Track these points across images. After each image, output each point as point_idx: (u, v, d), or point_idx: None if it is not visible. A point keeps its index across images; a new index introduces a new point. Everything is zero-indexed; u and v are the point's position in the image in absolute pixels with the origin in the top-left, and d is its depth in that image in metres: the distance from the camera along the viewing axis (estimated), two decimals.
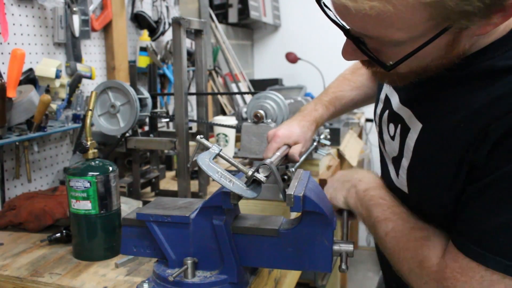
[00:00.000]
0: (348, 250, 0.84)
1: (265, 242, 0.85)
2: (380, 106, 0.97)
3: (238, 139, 2.00)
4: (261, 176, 0.85)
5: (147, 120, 1.57)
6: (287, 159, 1.17)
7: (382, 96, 0.96)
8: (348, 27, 0.69)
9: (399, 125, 0.86)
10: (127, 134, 1.40)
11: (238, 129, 1.68)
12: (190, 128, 1.46)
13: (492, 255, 0.67)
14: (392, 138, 0.89)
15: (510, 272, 0.67)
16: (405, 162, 0.84)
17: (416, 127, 0.80)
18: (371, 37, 0.67)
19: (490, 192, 0.68)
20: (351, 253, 0.84)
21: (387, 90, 0.94)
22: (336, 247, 0.84)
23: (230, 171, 1.76)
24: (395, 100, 0.89)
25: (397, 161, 0.87)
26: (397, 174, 0.87)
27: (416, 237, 0.81)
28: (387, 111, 0.92)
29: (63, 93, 1.53)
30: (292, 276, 1.29)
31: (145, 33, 2.11)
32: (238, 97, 2.82)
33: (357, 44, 0.70)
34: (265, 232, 0.85)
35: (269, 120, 1.43)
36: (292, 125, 1.17)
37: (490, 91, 0.68)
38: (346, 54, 0.73)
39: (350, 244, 0.84)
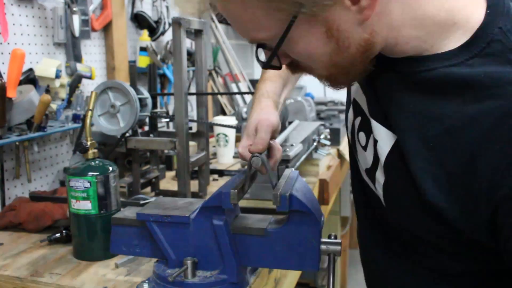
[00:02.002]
0: (336, 249, 0.84)
1: (254, 242, 0.86)
2: (351, 111, 0.88)
3: (238, 139, 2.00)
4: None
5: (147, 120, 1.57)
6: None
7: (352, 99, 0.87)
8: None
9: (371, 135, 0.77)
10: (127, 134, 1.40)
11: (238, 129, 1.69)
12: (190, 128, 1.46)
13: None
14: (364, 148, 0.81)
15: None
16: (379, 177, 0.75)
17: (386, 139, 0.72)
18: (249, 41, 0.70)
19: None
20: (339, 252, 0.84)
21: (355, 94, 0.85)
22: (323, 247, 0.84)
23: (230, 171, 1.76)
24: (365, 106, 0.80)
25: (371, 173, 0.79)
26: (374, 186, 0.79)
27: None
28: (359, 118, 0.83)
29: (63, 93, 1.53)
30: (292, 276, 1.29)
31: (145, 33, 2.11)
32: (238, 97, 2.82)
33: (257, 48, 0.72)
34: (253, 232, 0.86)
35: None
36: (268, 112, 0.98)
37: (466, 103, 0.62)
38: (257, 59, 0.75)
39: (338, 243, 0.84)
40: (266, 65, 0.71)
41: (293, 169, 0.95)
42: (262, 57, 0.73)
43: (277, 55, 0.68)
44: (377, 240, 0.87)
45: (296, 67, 0.73)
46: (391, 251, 0.83)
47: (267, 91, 1.02)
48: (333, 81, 0.72)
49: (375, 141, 0.75)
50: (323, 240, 0.84)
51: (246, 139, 0.93)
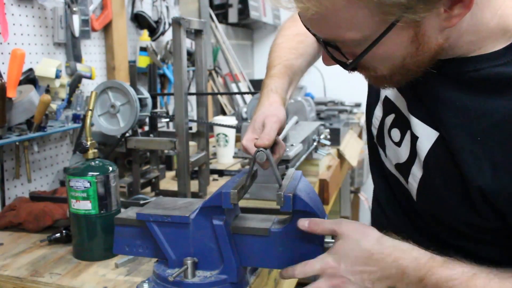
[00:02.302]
0: None
1: (257, 242, 0.86)
2: (380, 108, 0.92)
3: (238, 139, 2.00)
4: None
5: (147, 120, 1.57)
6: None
7: (381, 97, 0.92)
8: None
9: (408, 131, 0.82)
10: (127, 134, 1.40)
11: (238, 129, 1.69)
12: (190, 128, 1.46)
13: None
14: (398, 144, 0.85)
15: None
16: (416, 171, 0.80)
17: (427, 136, 0.76)
18: (330, 40, 0.70)
19: None
20: None
21: (389, 92, 0.90)
22: (326, 247, 0.83)
23: (230, 171, 1.76)
24: (402, 106, 0.84)
25: (404, 167, 0.83)
26: (406, 180, 0.84)
27: None
28: (392, 115, 0.87)
29: (63, 93, 1.53)
30: None
31: (145, 33, 2.11)
32: (238, 97, 2.82)
33: (325, 48, 0.72)
34: (256, 232, 0.86)
35: None
36: (277, 108, 0.98)
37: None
38: (325, 59, 0.76)
39: None
40: (350, 67, 0.71)
41: (293, 169, 0.95)
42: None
43: (341, 52, 0.70)
44: (405, 222, 0.90)
45: (356, 66, 0.73)
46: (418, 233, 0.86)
47: (276, 87, 1.02)
48: (387, 81, 0.75)
49: (415, 138, 0.78)
50: (326, 240, 0.84)
51: (251, 132, 0.93)
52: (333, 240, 0.84)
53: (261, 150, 0.86)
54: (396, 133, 0.85)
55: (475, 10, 0.66)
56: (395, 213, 0.93)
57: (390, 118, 0.88)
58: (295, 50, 1.09)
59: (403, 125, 0.83)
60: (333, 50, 0.72)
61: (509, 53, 0.68)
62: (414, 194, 0.82)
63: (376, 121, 0.93)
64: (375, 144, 0.96)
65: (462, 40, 0.70)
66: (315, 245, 0.83)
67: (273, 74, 1.05)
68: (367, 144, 1.04)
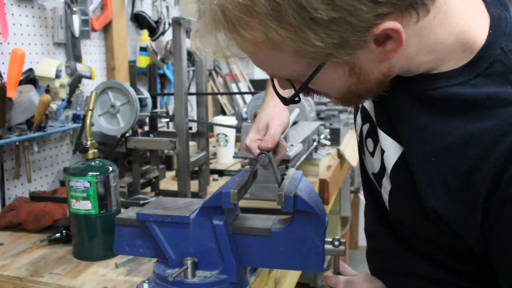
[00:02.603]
0: (340, 250, 0.84)
1: (257, 242, 0.86)
2: (359, 116, 0.91)
3: (238, 139, 2.00)
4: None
5: (147, 120, 1.57)
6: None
7: (360, 105, 0.90)
8: None
9: (378, 144, 0.80)
10: (127, 134, 1.40)
11: (238, 129, 1.69)
12: (190, 128, 1.46)
13: None
14: (371, 154, 0.84)
15: None
16: (386, 183, 0.79)
17: (393, 150, 0.75)
18: (272, 76, 0.73)
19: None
20: (343, 252, 0.84)
21: (366, 102, 0.87)
22: (327, 247, 0.84)
23: (230, 171, 1.76)
24: (373, 115, 0.84)
25: (378, 177, 0.83)
26: (380, 191, 0.83)
27: None
28: (367, 125, 0.86)
29: (63, 93, 1.53)
30: (292, 276, 1.29)
31: (145, 33, 2.11)
32: (238, 97, 2.82)
33: (271, 80, 0.76)
34: (257, 232, 0.86)
35: None
36: (281, 110, 0.99)
37: (468, 122, 0.65)
38: (281, 88, 0.77)
39: (342, 243, 0.84)
40: (289, 101, 0.74)
41: (294, 169, 0.95)
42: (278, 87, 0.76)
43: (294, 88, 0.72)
44: (385, 229, 0.89)
45: (310, 91, 0.75)
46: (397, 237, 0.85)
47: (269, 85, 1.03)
48: (345, 102, 0.75)
49: (382, 151, 0.77)
50: (327, 240, 0.84)
51: (255, 133, 0.94)
52: (334, 238, 0.84)
53: (264, 153, 0.86)
54: (370, 143, 0.85)
55: (425, 32, 0.65)
56: (376, 219, 0.92)
57: (365, 127, 0.87)
58: None
59: (375, 136, 0.82)
60: (282, 81, 0.74)
61: (467, 72, 0.66)
62: (387, 205, 0.81)
63: (358, 128, 0.92)
64: (359, 150, 0.96)
65: (416, 61, 0.68)
66: (316, 245, 0.83)
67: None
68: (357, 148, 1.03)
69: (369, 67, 0.65)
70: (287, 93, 1.02)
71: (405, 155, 0.73)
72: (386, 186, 0.79)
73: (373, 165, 0.83)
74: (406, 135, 0.72)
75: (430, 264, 0.78)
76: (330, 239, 0.84)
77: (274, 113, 0.95)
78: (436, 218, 0.69)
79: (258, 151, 0.90)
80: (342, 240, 0.84)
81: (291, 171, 0.93)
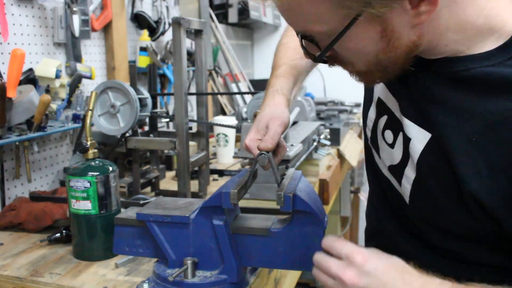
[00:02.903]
0: None
1: (256, 242, 0.86)
2: (373, 110, 0.91)
3: (238, 139, 2.00)
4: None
5: (147, 120, 1.57)
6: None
7: (375, 98, 0.91)
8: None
9: (401, 133, 0.81)
10: (127, 134, 1.40)
11: (238, 129, 1.69)
12: (190, 128, 1.46)
13: None
14: (391, 146, 0.84)
15: None
16: (410, 173, 0.79)
17: (420, 137, 0.75)
18: (301, 32, 0.71)
19: None
20: None
21: (381, 93, 0.88)
22: None
23: (230, 171, 1.76)
24: (394, 107, 0.84)
25: (397, 169, 0.83)
26: (400, 182, 0.83)
27: None
28: (385, 117, 0.86)
29: (63, 93, 1.53)
30: (292, 276, 1.29)
31: (145, 33, 2.11)
32: (238, 97, 2.82)
33: (300, 41, 0.74)
34: (256, 232, 0.86)
35: None
36: (281, 110, 0.98)
37: (508, 99, 0.66)
38: (304, 54, 0.77)
39: None
40: (318, 59, 0.73)
41: (293, 168, 0.95)
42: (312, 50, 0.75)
43: (318, 46, 0.71)
44: (398, 225, 0.89)
45: (335, 60, 0.75)
46: (409, 234, 0.86)
47: (281, 87, 1.03)
48: (368, 77, 0.76)
49: (407, 139, 0.78)
50: None
51: (255, 132, 0.94)
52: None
53: (263, 154, 0.86)
54: (389, 135, 0.85)
55: (455, 8, 0.66)
56: (386, 216, 0.93)
57: (383, 120, 0.87)
58: (300, 49, 1.10)
59: (396, 126, 0.82)
60: (308, 44, 0.73)
61: (501, 54, 0.68)
62: (407, 196, 0.81)
63: (370, 123, 0.93)
64: (369, 146, 0.96)
65: (444, 38, 0.70)
66: (316, 245, 0.83)
67: (279, 74, 1.06)
68: (364, 145, 1.04)
69: (401, 31, 0.66)
70: (287, 93, 1.03)
71: (433, 141, 0.73)
72: (409, 176, 0.79)
73: (393, 157, 0.83)
74: (439, 118, 0.72)
75: (448, 259, 0.79)
76: None
77: (275, 113, 0.95)
78: (473, 202, 0.69)
79: (258, 151, 0.89)
80: None
81: (291, 171, 0.93)
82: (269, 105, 0.99)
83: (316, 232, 0.82)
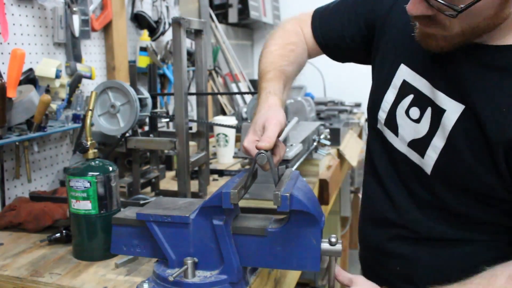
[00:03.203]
0: (337, 250, 0.84)
1: (254, 242, 0.86)
2: (391, 93, 1.02)
3: (238, 139, 2.00)
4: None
5: (147, 120, 1.57)
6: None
7: (397, 83, 1.01)
8: None
9: (429, 108, 0.94)
10: (127, 134, 1.40)
11: (238, 129, 1.69)
12: (190, 128, 1.46)
13: None
14: (417, 121, 0.96)
15: None
16: (438, 142, 0.92)
17: (454, 109, 0.89)
18: None
19: None
20: (339, 253, 0.84)
21: (406, 76, 0.99)
22: (324, 247, 0.84)
23: (230, 171, 1.76)
24: (423, 86, 0.96)
25: (422, 142, 0.95)
26: (422, 155, 0.95)
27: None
28: (411, 96, 0.98)
29: (63, 93, 1.53)
30: (292, 276, 1.29)
31: (145, 33, 2.11)
32: (238, 97, 2.82)
33: None
34: (254, 232, 0.86)
35: None
36: (276, 110, 0.98)
37: None
38: (413, 8, 0.82)
39: (338, 243, 0.84)
40: (463, 10, 0.77)
41: (293, 169, 0.95)
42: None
43: (429, 3, 0.79)
44: (406, 198, 1.02)
45: (432, 22, 0.83)
46: (422, 202, 0.99)
47: (274, 90, 1.05)
48: (448, 41, 0.85)
49: (441, 112, 0.91)
50: (323, 240, 0.84)
51: (252, 134, 0.94)
52: (331, 240, 0.84)
53: (262, 153, 0.86)
54: (415, 111, 0.97)
55: None
56: (397, 192, 1.04)
57: (408, 99, 0.99)
58: (287, 58, 1.15)
59: (423, 103, 0.95)
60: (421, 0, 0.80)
61: None
62: (430, 166, 0.93)
63: (386, 105, 1.03)
64: (379, 130, 1.06)
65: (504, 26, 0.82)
66: (313, 244, 0.83)
67: (269, 78, 1.08)
68: (368, 132, 1.14)
69: (510, 3, 0.77)
70: (280, 95, 1.06)
71: (468, 111, 0.87)
72: (437, 145, 0.92)
73: (418, 130, 0.96)
74: (474, 92, 0.87)
75: (457, 222, 0.95)
76: (327, 239, 0.84)
77: (270, 113, 0.96)
78: (503, 154, 0.83)
79: (256, 151, 0.89)
80: (339, 240, 0.84)
81: (288, 171, 0.93)
82: (264, 107, 1.00)
83: (313, 232, 0.83)
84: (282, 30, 1.22)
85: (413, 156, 0.98)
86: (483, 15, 0.78)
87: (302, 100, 2.14)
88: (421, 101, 0.96)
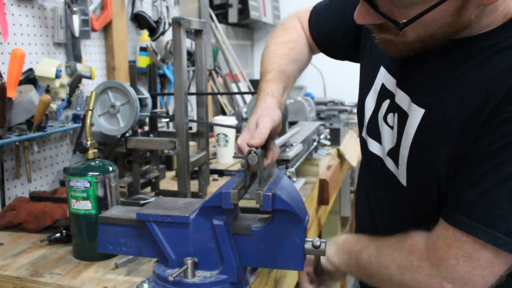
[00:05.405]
0: (321, 249, 0.84)
1: (240, 240, 0.86)
2: (371, 98, 0.97)
3: None
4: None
5: (147, 120, 1.57)
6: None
7: (377, 87, 0.96)
8: None
9: (396, 114, 0.88)
10: (127, 134, 1.40)
11: (238, 129, 1.69)
12: (190, 128, 1.46)
13: (481, 225, 0.73)
14: (392, 128, 0.90)
15: (498, 244, 0.72)
16: (404, 151, 0.85)
17: (416, 113, 0.82)
18: None
19: (479, 165, 0.74)
20: (323, 252, 0.84)
21: (384, 79, 0.94)
22: (308, 246, 0.84)
23: (230, 171, 1.76)
24: (394, 88, 0.91)
25: (395, 152, 0.88)
26: (397, 165, 0.89)
27: (397, 239, 0.85)
28: (387, 101, 0.92)
29: (63, 93, 1.53)
30: (292, 276, 1.29)
31: (145, 33, 2.11)
32: (238, 97, 2.82)
33: (372, 6, 0.74)
34: (239, 230, 0.86)
35: None
36: (272, 110, 0.98)
37: (492, 65, 0.74)
38: (359, 17, 0.77)
39: (322, 242, 0.84)
40: (401, 26, 0.73)
41: (276, 168, 0.95)
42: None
43: (378, 11, 0.73)
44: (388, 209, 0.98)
45: (384, 29, 0.78)
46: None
47: (272, 91, 1.04)
48: (410, 48, 0.79)
49: (406, 117, 0.85)
50: (307, 239, 0.84)
51: (246, 133, 0.94)
52: (315, 239, 0.83)
53: (253, 153, 0.86)
54: (391, 117, 0.91)
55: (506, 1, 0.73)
56: (377, 205, 1.00)
57: (385, 104, 0.93)
58: (287, 56, 1.14)
59: (395, 108, 0.89)
60: (368, 9, 0.75)
61: (503, 32, 0.75)
62: (405, 177, 0.87)
63: (368, 112, 0.97)
64: (363, 139, 1.02)
65: (482, 23, 0.76)
66: (296, 244, 0.83)
67: (268, 79, 1.08)
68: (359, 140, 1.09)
69: (470, 9, 0.71)
70: (278, 96, 1.05)
71: (428, 115, 0.81)
72: (404, 154, 0.86)
73: (393, 139, 0.90)
74: (428, 93, 0.81)
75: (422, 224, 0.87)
76: (311, 239, 0.84)
77: (264, 112, 0.96)
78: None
79: (247, 150, 0.89)
80: (323, 240, 0.84)
81: (273, 171, 0.93)
82: (260, 107, 1.00)
83: (297, 231, 0.83)
84: (282, 27, 1.21)
85: (391, 166, 0.92)
86: (439, 24, 0.73)
87: (302, 100, 2.14)
88: (395, 106, 0.90)
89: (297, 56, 1.16)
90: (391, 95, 0.91)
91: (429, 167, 0.81)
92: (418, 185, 0.85)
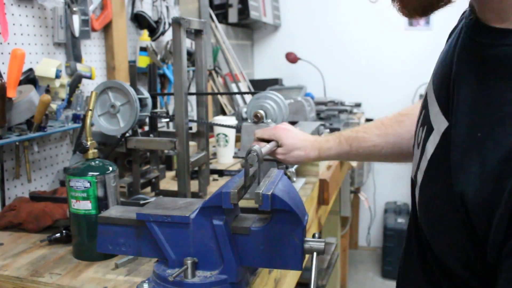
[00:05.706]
0: (319, 248, 0.84)
1: (239, 240, 0.86)
2: (419, 107, 0.77)
3: (238, 139, 2.00)
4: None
5: (147, 120, 1.57)
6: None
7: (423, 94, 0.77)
8: None
9: (425, 127, 0.67)
10: (127, 134, 1.40)
11: (238, 129, 1.69)
12: (190, 128, 1.46)
13: None
14: (418, 145, 0.70)
15: None
16: (419, 176, 0.65)
17: (440, 127, 0.61)
18: None
19: None
20: (322, 251, 0.84)
21: (428, 86, 0.72)
22: (306, 246, 0.83)
23: (230, 171, 1.76)
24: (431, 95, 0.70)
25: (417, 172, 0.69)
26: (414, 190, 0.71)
27: None
28: (423, 111, 0.71)
29: (63, 93, 1.53)
30: (292, 276, 1.29)
31: (145, 33, 2.11)
32: (238, 97, 2.82)
33: None
34: (239, 230, 0.86)
35: (269, 120, 1.43)
36: (303, 133, 1.06)
37: None
38: None
39: (321, 242, 0.84)
40: None
41: (275, 168, 0.95)
42: None
43: None
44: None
45: None
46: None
47: (341, 133, 1.15)
48: (424, 6, 0.58)
49: (430, 131, 0.64)
50: (306, 239, 0.84)
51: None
52: (313, 239, 0.84)
53: (253, 152, 0.86)
54: (420, 133, 0.70)
55: None
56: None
57: (422, 117, 0.73)
58: (385, 128, 1.11)
59: (425, 119, 0.69)
60: None
61: None
62: (417, 209, 0.69)
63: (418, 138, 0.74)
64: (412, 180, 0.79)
65: None
66: (295, 244, 0.83)
67: (340, 135, 1.17)
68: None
69: None
70: (326, 143, 1.16)
71: (447, 133, 0.59)
72: (418, 180, 0.65)
73: (416, 158, 0.70)
74: (457, 104, 0.58)
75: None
76: (310, 238, 0.84)
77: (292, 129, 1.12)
78: (462, 207, 0.54)
79: (248, 149, 0.91)
80: (322, 239, 0.84)
81: (272, 170, 0.93)
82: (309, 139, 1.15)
83: (296, 231, 0.83)
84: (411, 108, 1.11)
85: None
86: None
87: (302, 100, 2.14)
88: (425, 117, 0.69)
89: (396, 130, 1.09)
90: (425, 105, 0.70)
91: (440, 207, 0.60)
92: (425, 220, 0.65)
